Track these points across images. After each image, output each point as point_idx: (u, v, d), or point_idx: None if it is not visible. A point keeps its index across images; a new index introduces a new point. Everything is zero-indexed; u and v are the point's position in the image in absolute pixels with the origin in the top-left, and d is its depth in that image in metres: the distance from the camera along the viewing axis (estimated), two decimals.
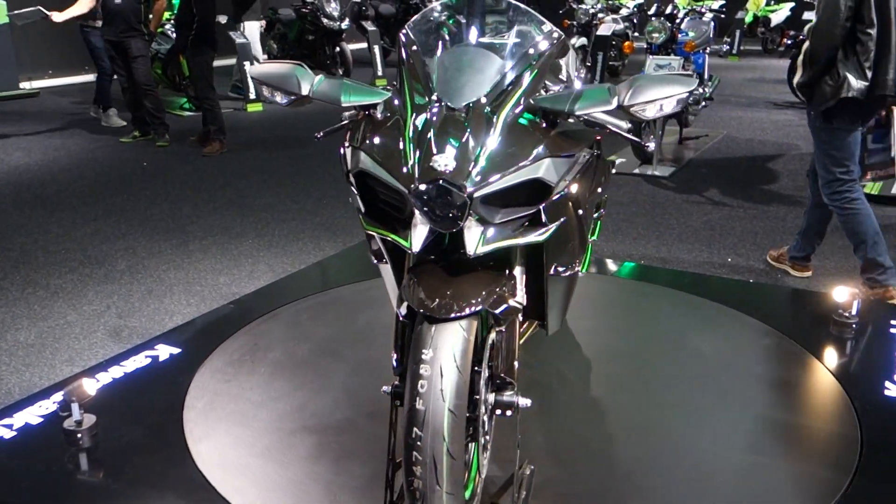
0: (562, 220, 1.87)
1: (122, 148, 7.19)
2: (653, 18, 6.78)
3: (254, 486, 2.24)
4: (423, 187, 1.69)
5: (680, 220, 4.98)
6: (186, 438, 2.44)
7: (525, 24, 2.13)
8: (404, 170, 1.74)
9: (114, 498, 2.19)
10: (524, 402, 1.91)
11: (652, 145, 6.18)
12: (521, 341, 2.32)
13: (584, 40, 9.69)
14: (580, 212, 2.01)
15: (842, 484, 2.20)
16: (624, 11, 10.07)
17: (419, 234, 1.78)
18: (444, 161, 1.69)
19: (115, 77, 7.38)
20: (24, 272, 4.16)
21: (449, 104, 1.81)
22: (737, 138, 7.49)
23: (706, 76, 7.19)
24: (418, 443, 1.68)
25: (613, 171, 2.91)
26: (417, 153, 1.74)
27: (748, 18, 14.99)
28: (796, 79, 3.60)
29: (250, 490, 2.22)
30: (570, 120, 1.93)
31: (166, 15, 8.40)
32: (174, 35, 7.87)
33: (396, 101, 1.92)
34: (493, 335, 1.89)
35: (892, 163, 3.81)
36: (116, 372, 2.85)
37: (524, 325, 2.37)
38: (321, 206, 5.30)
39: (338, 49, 10.38)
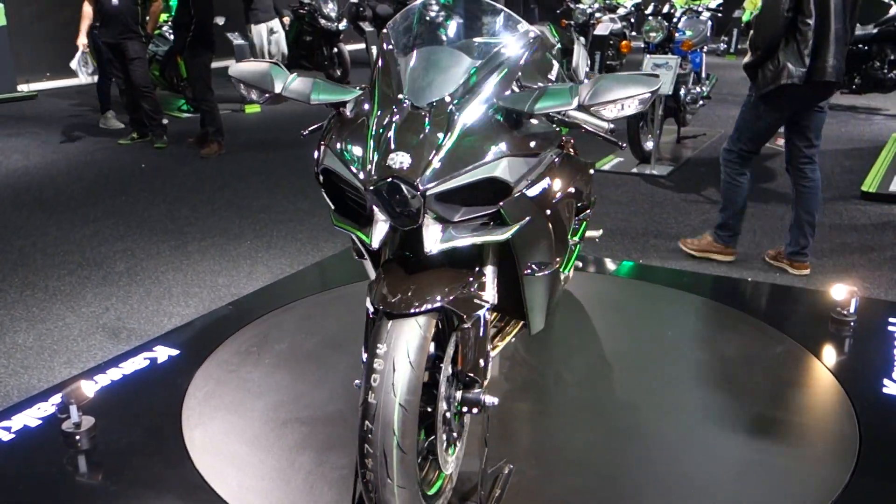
0: (525, 220, 1.87)
1: (121, 150, 7.19)
2: (650, 18, 6.79)
3: (237, 472, 2.29)
4: (377, 184, 1.71)
5: (678, 219, 4.99)
6: (184, 437, 2.45)
7: (500, 25, 2.13)
8: (364, 167, 1.76)
9: (112, 500, 2.19)
10: (491, 400, 1.93)
11: (650, 144, 6.19)
12: (507, 341, 2.34)
13: (581, 40, 9.68)
14: (549, 212, 2.00)
15: (841, 481, 2.20)
16: (621, 11, 10.08)
17: (378, 230, 1.80)
18: (400, 159, 1.71)
19: (114, 80, 7.37)
20: (23, 274, 4.15)
21: (414, 103, 1.83)
22: None
23: (703, 75, 7.19)
24: (369, 435, 1.72)
25: (592, 171, 2.89)
26: (376, 151, 1.76)
27: (745, 17, 14.93)
28: (744, 60, 3.85)
29: (233, 476, 2.27)
30: (536, 120, 1.92)
31: (163, 17, 8.39)
32: (172, 37, 7.87)
33: (366, 100, 1.93)
34: (458, 332, 1.91)
35: None
36: (115, 374, 2.85)
37: (509, 325, 2.38)
38: (319, 207, 5.29)
39: (335, 50, 10.37)
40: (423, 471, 1.98)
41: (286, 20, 9.61)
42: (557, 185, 2.07)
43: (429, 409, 1.87)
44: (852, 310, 3.15)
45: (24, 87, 10.31)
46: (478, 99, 1.84)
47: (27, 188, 5.92)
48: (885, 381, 2.73)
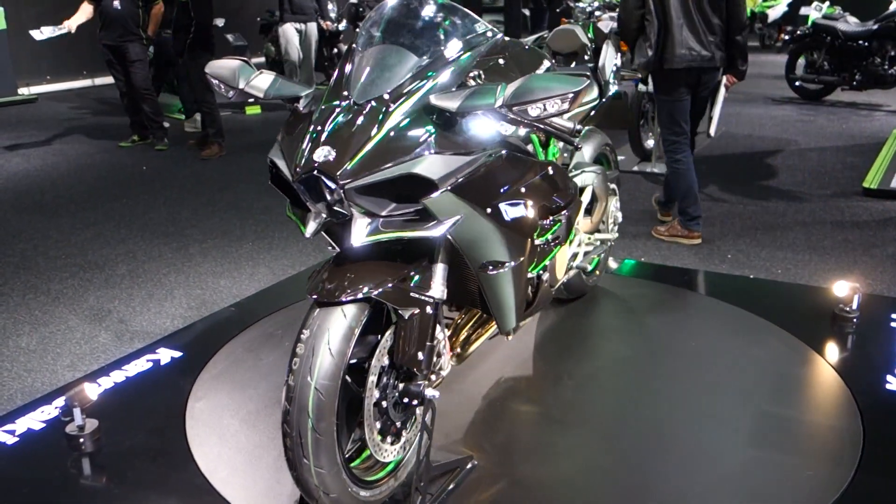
0: (458, 217, 1.88)
1: (121, 153, 7.19)
2: None
3: (220, 442, 2.39)
4: (301, 177, 1.76)
5: None
6: (188, 438, 2.46)
7: (456, 24, 2.13)
8: (294, 160, 1.81)
9: (116, 502, 2.19)
10: (431, 393, 1.96)
11: (650, 142, 6.18)
12: (487, 338, 2.37)
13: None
14: (490, 210, 1.99)
15: (845, 478, 2.20)
16: None
17: (312, 222, 1.87)
18: (325, 153, 1.75)
19: (114, 82, 7.38)
20: (25, 278, 4.16)
21: (355, 100, 1.87)
22: (735, 134, 7.49)
23: None
24: (287, 416, 1.79)
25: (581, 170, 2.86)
26: (309, 144, 1.80)
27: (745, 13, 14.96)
28: None
29: (215, 445, 2.37)
30: (472, 118, 1.92)
31: None
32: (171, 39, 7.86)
33: (319, 96, 1.99)
34: (395, 324, 1.94)
35: (708, 123, 4.43)
36: (118, 376, 2.85)
37: (486, 321, 2.39)
38: None
39: (335, 50, 10.38)
40: (369, 458, 2.03)
41: (326, 24, 9.47)
42: (504, 183, 2.06)
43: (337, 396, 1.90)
44: (855, 306, 3.15)
45: (24, 91, 10.32)
46: (414, 97, 1.87)
47: (28, 191, 5.93)
48: (889, 378, 2.73)
